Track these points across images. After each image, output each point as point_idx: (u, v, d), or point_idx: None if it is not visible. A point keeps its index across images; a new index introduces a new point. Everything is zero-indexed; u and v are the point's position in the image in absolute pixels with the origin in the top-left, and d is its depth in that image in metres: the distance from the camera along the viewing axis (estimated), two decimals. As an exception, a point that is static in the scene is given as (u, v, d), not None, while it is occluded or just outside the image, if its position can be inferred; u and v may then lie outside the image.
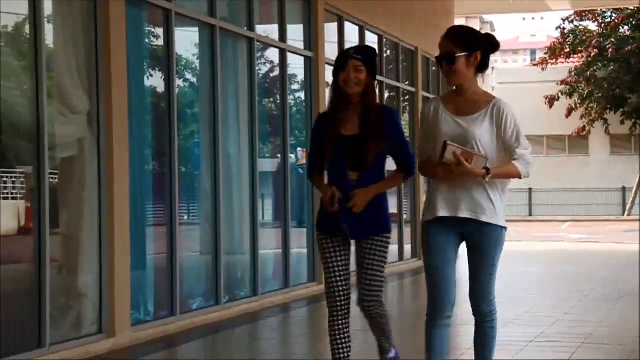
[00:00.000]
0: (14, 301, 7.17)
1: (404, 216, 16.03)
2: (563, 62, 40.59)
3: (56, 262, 7.64)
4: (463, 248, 5.19)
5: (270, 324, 9.80)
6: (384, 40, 15.25)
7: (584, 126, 39.94)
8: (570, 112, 39.25)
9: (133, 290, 8.30)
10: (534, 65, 45.42)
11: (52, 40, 7.68)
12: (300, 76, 12.41)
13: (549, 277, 14.53)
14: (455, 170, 4.86)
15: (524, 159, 5.03)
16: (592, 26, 40.37)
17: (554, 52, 40.31)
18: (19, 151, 7.50)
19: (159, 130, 9.22)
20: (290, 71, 11.89)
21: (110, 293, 7.94)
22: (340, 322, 5.72)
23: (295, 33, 12.12)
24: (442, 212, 5.01)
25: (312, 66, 12.23)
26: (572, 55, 40.35)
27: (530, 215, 41.86)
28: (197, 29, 10.00)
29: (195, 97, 10.33)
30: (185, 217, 10.04)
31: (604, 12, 39.48)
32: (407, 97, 16.68)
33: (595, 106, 39.28)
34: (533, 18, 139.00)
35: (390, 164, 5.80)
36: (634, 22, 38.91)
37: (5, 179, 7.27)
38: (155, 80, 9.40)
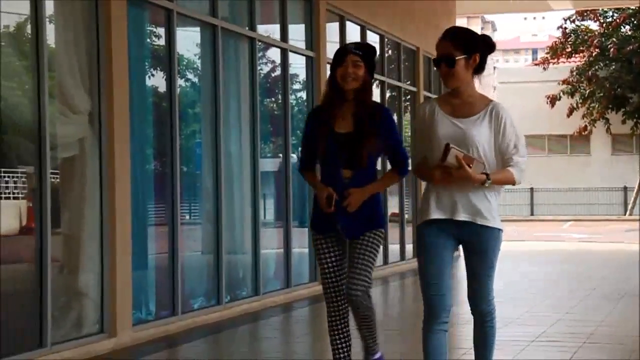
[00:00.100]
0: (15, 301, 7.18)
1: (406, 216, 16.03)
2: (564, 62, 40.58)
3: (57, 261, 7.64)
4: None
5: (272, 323, 9.80)
6: (386, 40, 15.25)
7: (586, 126, 39.93)
8: (571, 111, 39.24)
9: (134, 289, 8.31)
10: (536, 64, 45.41)
11: (54, 40, 7.69)
12: (302, 76, 12.41)
13: (550, 277, 14.53)
14: (456, 174, 4.80)
15: (519, 167, 4.99)
16: (594, 26, 40.36)
17: (556, 51, 40.29)
18: (20, 151, 7.50)
19: (161, 130, 9.23)
20: (291, 71, 11.89)
21: (111, 293, 7.95)
22: (339, 321, 5.71)
23: (297, 33, 12.12)
24: (439, 215, 4.96)
25: (313, 66, 12.23)
26: (573, 55, 40.34)
27: (532, 214, 41.87)
28: (198, 28, 10.00)
29: (196, 96, 10.33)
30: (187, 217, 10.04)
31: (606, 12, 39.46)
32: (409, 96, 16.68)
33: (596, 106, 39.26)
34: (534, 18, 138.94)
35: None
36: (635, 22, 38.90)
37: (6, 179, 7.27)
38: (156, 80, 9.40)
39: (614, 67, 38.89)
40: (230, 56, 10.43)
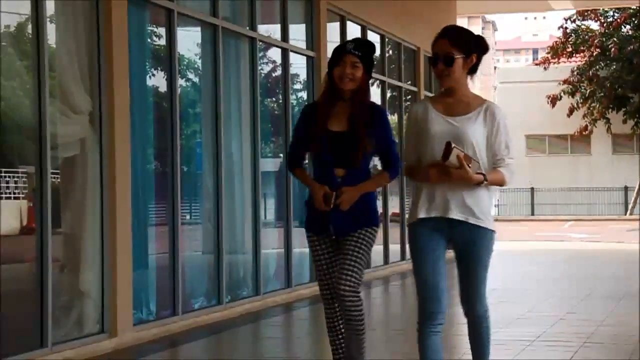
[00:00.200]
0: (16, 301, 7.18)
1: (406, 216, 16.02)
2: (565, 62, 40.58)
3: (58, 261, 7.64)
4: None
5: (273, 323, 9.80)
6: (386, 40, 15.26)
7: (586, 126, 39.92)
8: (572, 111, 39.23)
9: (135, 289, 8.31)
10: (536, 64, 45.39)
11: (55, 40, 7.69)
12: (302, 76, 12.42)
13: (550, 277, 14.52)
14: (456, 174, 4.73)
15: (510, 168, 4.92)
16: (595, 25, 40.37)
17: (556, 51, 40.29)
18: (21, 151, 7.51)
19: (161, 129, 9.23)
20: (292, 71, 11.90)
21: (112, 292, 7.95)
22: (337, 321, 5.69)
23: (298, 33, 12.13)
24: (431, 213, 4.90)
25: (314, 66, 12.23)
26: (574, 55, 40.35)
27: (533, 214, 41.88)
28: (199, 28, 10.01)
29: (197, 96, 10.33)
30: (187, 217, 10.05)
31: (606, 12, 39.46)
32: (409, 96, 16.68)
33: (597, 106, 39.26)
34: (535, 17, 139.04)
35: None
36: (636, 22, 38.90)
37: (7, 179, 7.28)
38: (157, 80, 9.41)
39: (614, 67, 38.89)
40: (230, 56, 10.43)
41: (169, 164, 9.11)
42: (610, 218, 38.95)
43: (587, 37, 39.83)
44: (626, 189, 41.37)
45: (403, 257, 15.61)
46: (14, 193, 7.37)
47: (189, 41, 9.90)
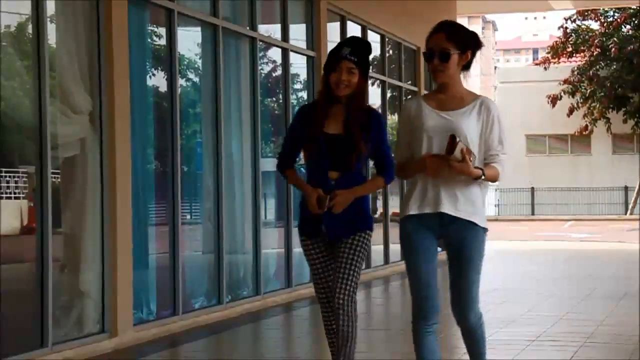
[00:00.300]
0: (17, 301, 7.18)
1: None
2: (565, 62, 40.57)
3: (58, 261, 7.64)
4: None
5: (273, 323, 9.80)
6: (386, 39, 15.26)
7: (587, 125, 39.90)
8: (572, 111, 39.23)
9: (135, 289, 8.31)
10: (536, 64, 45.39)
11: (55, 40, 7.69)
12: (303, 76, 12.42)
13: (550, 276, 14.52)
14: (458, 167, 4.67)
15: (503, 164, 4.88)
16: (595, 25, 40.36)
17: (557, 51, 40.28)
18: (21, 151, 7.51)
19: (161, 129, 9.23)
20: (292, 71, 11.90)
21: (112, 292, 7.95)
22: (334, 323, 5.67)
23: (298, 33, 12.13)
24: (423, 209, 4.85)
25: (314, 66, 12.23)
26: (574, 55, 40.34)
27: (533, 214, 41.86)
28: (199, 28, 10.01)
29: (197, 96, 10.33)
30: (188, 217, 10.05)
31: (607, 12, 39.46)
32: (410, 96, 16.67)
33: (597, 105, 39.25)
34: (535, 17, 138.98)
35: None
36: (636, 22, 38.90)
37: (7, 179, 7.28)
38: (157, 80, 9.41)
39: (614, 66, 38.88)
40: (231, 56, 10.43)
41: (169, 164, 9.12)
42: (611, 218, 38.95)
43: (587, 37, 39.82)
44: (626, 188, 41.36)
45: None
46: (14, 193, 7.38)
47: (189, 41, 9.90)
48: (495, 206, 41.61)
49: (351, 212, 5.48)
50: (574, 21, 40.50)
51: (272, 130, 11.85)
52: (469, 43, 4.91)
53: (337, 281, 5.46)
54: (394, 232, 15.32)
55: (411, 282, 4.95)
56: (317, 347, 8.34)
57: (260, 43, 11.03)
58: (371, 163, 6.00)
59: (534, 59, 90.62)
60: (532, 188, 41.91)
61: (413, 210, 4.88)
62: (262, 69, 11.32)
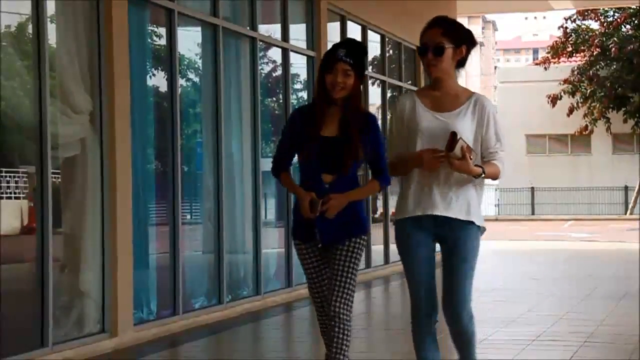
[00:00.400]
0: (17, 301, 7.19)
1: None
2: (565, 61, 40.55)
3: (59, 261, 7.65)
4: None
5: (273, 323, 9.81)
6: (386, 39, 15.27)
7: (587, 125, 39.89)
8: (572, 111, 39.22)
9: (136, 289, 8.32)
10: (537, 64, 45.36)
11: (55, 40, 7.70)
12: (303, 76, 12.42)
13: (550, 276, 14.52)
14: (457, 164, 4.64)
15: (502, 162, 4.86)
16: (595, 25, 40.34)
17: (557, 51, 40.26)
18: (21, 151, 7.52)
19: (162, 129, 9.24)
20: (292, 71, 11.90)
21: (112, 292, 7.96)
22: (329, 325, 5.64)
23: (298, 32, 12.13)
24: (420, 211, 4.82)
25: (314, 66, 12.22)
26: (574, 55, 40.31)
27: (533, 214, 41.85)
28: (199, 28, 10.01)
29: (197, 96, 10.34)
30: (188, 216, 10.06)
31: (607, 11, 39.44)
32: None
33: (597, 105, 39.23)
34: (535, 17, 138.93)
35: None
36: (636, 21, 38.88)
37: (8, 179, 7.28)
38: (157, 80, 9.42)
39: (614, 66, 38.87)
40: (231, 56, 10.43)
41: (170, 164, 9.12)
42: (611, 218, 38.94)
43: (587, 36, 39.81)
44: (626, 188, 41.36)
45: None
46: (15, 193, 7.38)
47: (189, 41, 9.91)
48: (495, 206, 41.62)
49: (345, 216, 5.37)
50: (574, 21, 40.49)
51: (272, 130, 11.85)
52: (464, 38, 4.90)
53: (334, 290, 5.38)
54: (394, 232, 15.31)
55: (409, 283, 4.94)
56: (317, 347, 8.34)
57: (261, 43, 11.03)
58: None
59: (534, 59, 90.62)
60: (532, 188, 41.90)
61: (408, 212, 4.87)
62: (262, 69, 11.33)
